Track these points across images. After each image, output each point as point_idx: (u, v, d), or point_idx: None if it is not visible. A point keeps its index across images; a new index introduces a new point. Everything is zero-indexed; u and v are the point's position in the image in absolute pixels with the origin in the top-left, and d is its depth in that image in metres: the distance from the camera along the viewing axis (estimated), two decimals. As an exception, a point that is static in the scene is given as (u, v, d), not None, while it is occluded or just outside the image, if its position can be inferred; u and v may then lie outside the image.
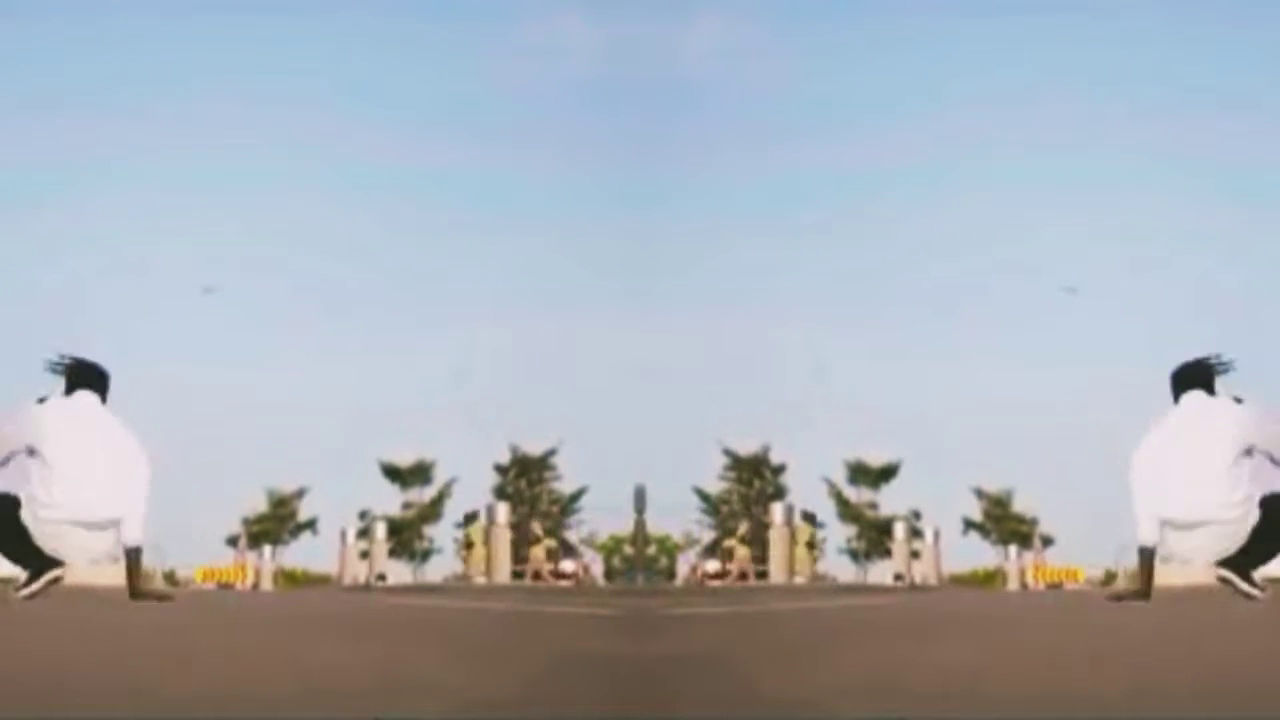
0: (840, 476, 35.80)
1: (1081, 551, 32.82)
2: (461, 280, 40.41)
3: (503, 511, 33.57)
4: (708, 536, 35.59)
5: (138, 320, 37.72)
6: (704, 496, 35.79)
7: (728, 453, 35.84)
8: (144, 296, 37.97)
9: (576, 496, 35.82)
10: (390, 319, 39.21)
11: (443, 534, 36.13)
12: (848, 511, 35.56)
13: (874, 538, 34.89)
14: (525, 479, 35.59)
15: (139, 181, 38.68)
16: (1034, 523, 33.88)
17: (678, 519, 35.04)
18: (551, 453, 35.91)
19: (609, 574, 34.36)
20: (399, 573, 34.38)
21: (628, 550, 33.01)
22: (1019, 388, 36.40)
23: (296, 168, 40.10)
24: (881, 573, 34.09)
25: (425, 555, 35.72)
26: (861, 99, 40.87)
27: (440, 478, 36.11)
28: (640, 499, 30.01)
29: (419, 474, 36.20)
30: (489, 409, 36.33)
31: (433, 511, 36.10)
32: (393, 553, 34.23)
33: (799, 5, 40.80)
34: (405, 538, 35.04)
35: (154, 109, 38.06)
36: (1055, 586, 31.23)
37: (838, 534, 35.88)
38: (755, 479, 35.65)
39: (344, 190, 40.58)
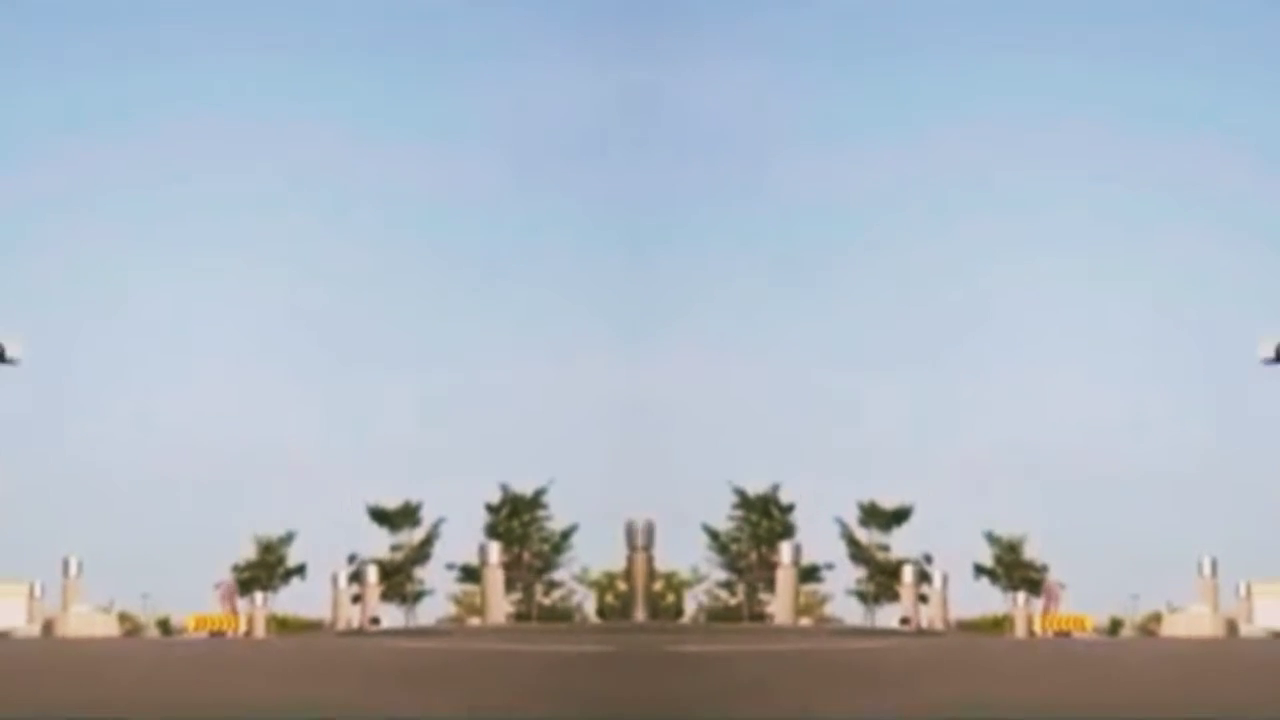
0: (853, 518, 35.76)
1: (1089, 600, 33.14)
2: (450, 323, 40.34)
3: (495, 551, 33.36)
4: (716, 574, 35.64)
5: (127, 374, 37.63)
6: (712, 534, 35.65)
7: (737, 491, 35.74)
8: (124, 341, 37.87)
9: (568, 534, 35.70)
10: (374, 361, 39.03)
11: (433, 576, 35.95)
12: (859, 553, 35.55)
13: (883, 581, 34.87)
14: (517, 519, 35.44)
15: (127, 215, 38.73)
16: (1044, 570, 34.06)
17: (686, 555, 34.96)
18: (542, 491, 35.77)
19: (602, 611, 34.24)
20: (391, 616, 34.22)
21: (621, 586, 32.88)
22: (1035, 435, 36.38)
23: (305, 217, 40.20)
24: (889, 616, 34.15)
25: (417, 598, 35.52)
26: (854, 134, 41.06)
27: (428, 519, 35.95)
28: (643, 534, 29.91)
29: (406, 516, 35.98)
30: (479, 450, 36.27)
31: (421, 554, 35.88)
32: (384, 596, 34.04)
33: (791, 46, 41.01)
34: (396, 581, 34.82)
35: (163, 138, 38.16)
36: (1063, 635, 31.31)
37: (847, 576, 35.77)
38: (764, 518, 35.56)
39: (336, 234, 40.46)
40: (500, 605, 32.44)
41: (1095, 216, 38.99)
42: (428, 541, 35.96)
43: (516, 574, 34.29)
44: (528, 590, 34.68)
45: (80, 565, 32.15)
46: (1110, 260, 39.07)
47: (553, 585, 35.69)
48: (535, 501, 35.84)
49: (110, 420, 36.65)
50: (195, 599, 32.79)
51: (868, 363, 37.74)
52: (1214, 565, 32.19)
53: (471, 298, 40.57)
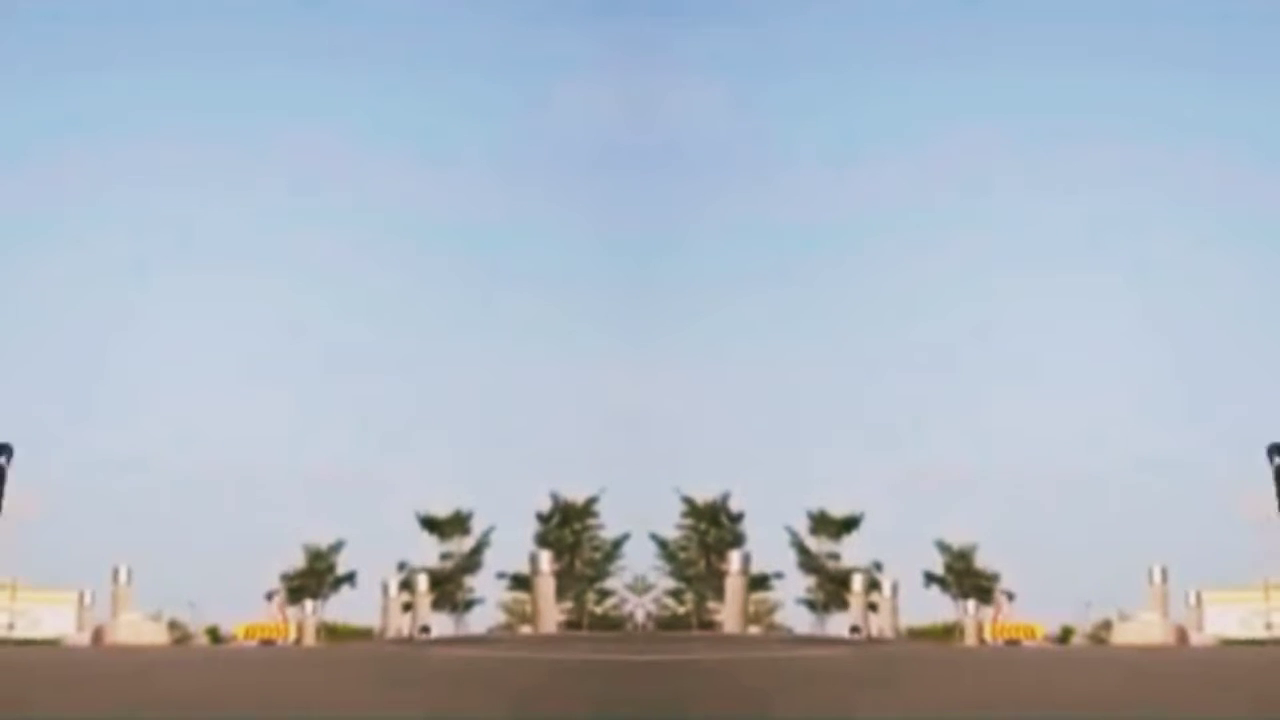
0: (803, 526, 35.55)
1: (1040, 608, 32.73)
2: (482, 335, 40.17)
3: (545, 559, 33.06)
4: (664, 583, 35.34)
5: (169, 379, 37.55)
6: (660, 543, 35.31)
7: (685, 500, 35.48)
8: (172, 354, 37.77)
9: (619, 543, 35.37)
10: (414, 371, 38.91)
11: (483, 584, 35.74)
12: (808, 561, 35.26)
13: (833, 589, 34.57)
14: (568, 527, 35.14)
15: (143, 218, 38.56)
16: (995, 578, 33.69)
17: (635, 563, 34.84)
18: (594, 500, 35.48)
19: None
20: (441, 625, 33.97)
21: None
22: (985, 444, 36.24)
23: (343, 226, 40.16)
24: (839, 625, 33.88)
25: (467, 606, 35.26)
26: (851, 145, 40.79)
27: (478, 527, 35.72)
28: None
29: (457, 524, 35.75)
30: (529, 458, 36.03)
31: (472, 562, 35.64)
32: (434, 604, 33.79)
33: (794, 57, 40.82)
34: (447, 589, 34.57)
35: (176, 152, 38.02)
36: (1013, 643, 31.10)
37: (797, 585, 35.59)
38: (713, 527, 35.31)
39: (365, 248, 40.41)
40: (551, 614, 32.12)
41: (1083, 230, 38.47)
42: (478, 550, 35.71)
43: (568, 583, 33.98)
44: (579, 599, 34.36)
45: (130, 573, 32.05)
46: (1082, 272, 38.54)
47: (605, 594, 35.35)
48: (586, 510, 35.54)
49: (156, 429, 36.56)
50: (245, 607, 32.64)
51: (820, 370, 37.69)
52: (1164, 573, 32.04)
53: (496, 308, 40.32)
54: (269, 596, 32.84)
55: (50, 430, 34.19)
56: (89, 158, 38.38)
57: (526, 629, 32.87)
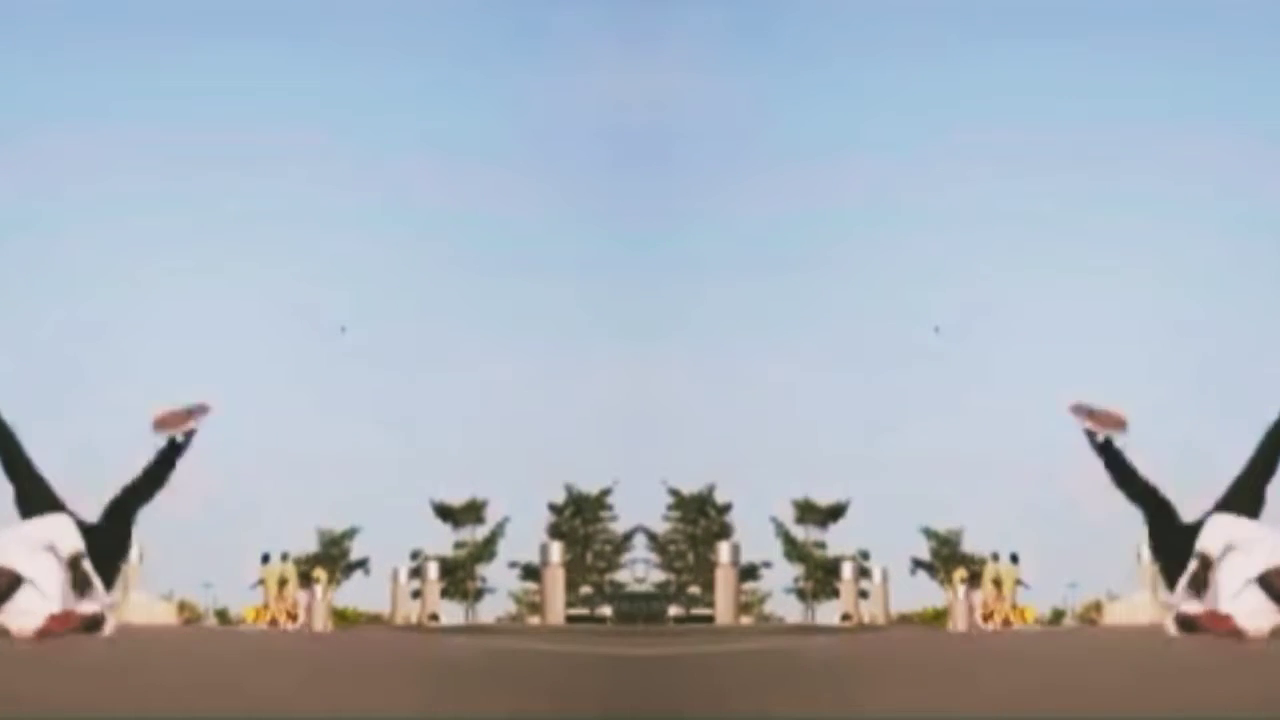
0: (788, 516, 35.55)
1: (1028, 591, 32.17)
2: (497, 323, 40.13)
3: (556, 551, 33.03)
4: (654, 575, 35.27)
5: (186, 364, 37.54)
6: (650, 535, 35.25)
7: (672, 492, 35.40)
8: (190, 341, 37.72)
9: (630, 536, 35.32)
10: (433, 359, 38.88)
11: (495, 573, 35.74)
12: (795, 551, 35.19)
13: (821, 578, 34.50)
14: (580, 519, 35.11)
15: (151, 210, 38.43)
16: (982, 562, 33.46)
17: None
18: (607, 492, 35.43)
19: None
20: (451, 613, 33.97)
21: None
22: (969, 428, 35.98)
23: (360, 213, 40.10)
24: (829, 613, 33.74)
25: (478, 595, 35.26)
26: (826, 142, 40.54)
27: (492, 517, 35.70)
28: None
29: (471, 513, 35.75)
30: (544, 448, 35.98)
31: (486, 551, 35.64)
32: (445, 593, 33.78)
33: (787, 55, 40.68)
34: (458, 578, 34.56)
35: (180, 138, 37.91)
36: (1005, 625, 30.89)
37: (784, 574, 35.66)
38: (700, 518, 35.24)
39: (372, 239, 40.38)
40: (559, 605, 32.04)
41: (1075, 222, 38.09)
42: (492, 539, 35.73)
43: (578, 574, 33.92)
44: (594, 588, 34.38)
45: (141, 553, 32.01)
46: (1081, 259, 37.99)
47: (616, 586, 35.33)
48: (600, 502, 35.49)
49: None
50: (256, 591, 32.66)
51: (805, 360, 37.53)
52: (1153, 551, 31.58)
53: (508, 297, 40.26)
54: (282, 583, 32.78)
55: (57, 405, 34.22)
56: (86, 150, 38.30)
57: (535, 620, 32.83)
